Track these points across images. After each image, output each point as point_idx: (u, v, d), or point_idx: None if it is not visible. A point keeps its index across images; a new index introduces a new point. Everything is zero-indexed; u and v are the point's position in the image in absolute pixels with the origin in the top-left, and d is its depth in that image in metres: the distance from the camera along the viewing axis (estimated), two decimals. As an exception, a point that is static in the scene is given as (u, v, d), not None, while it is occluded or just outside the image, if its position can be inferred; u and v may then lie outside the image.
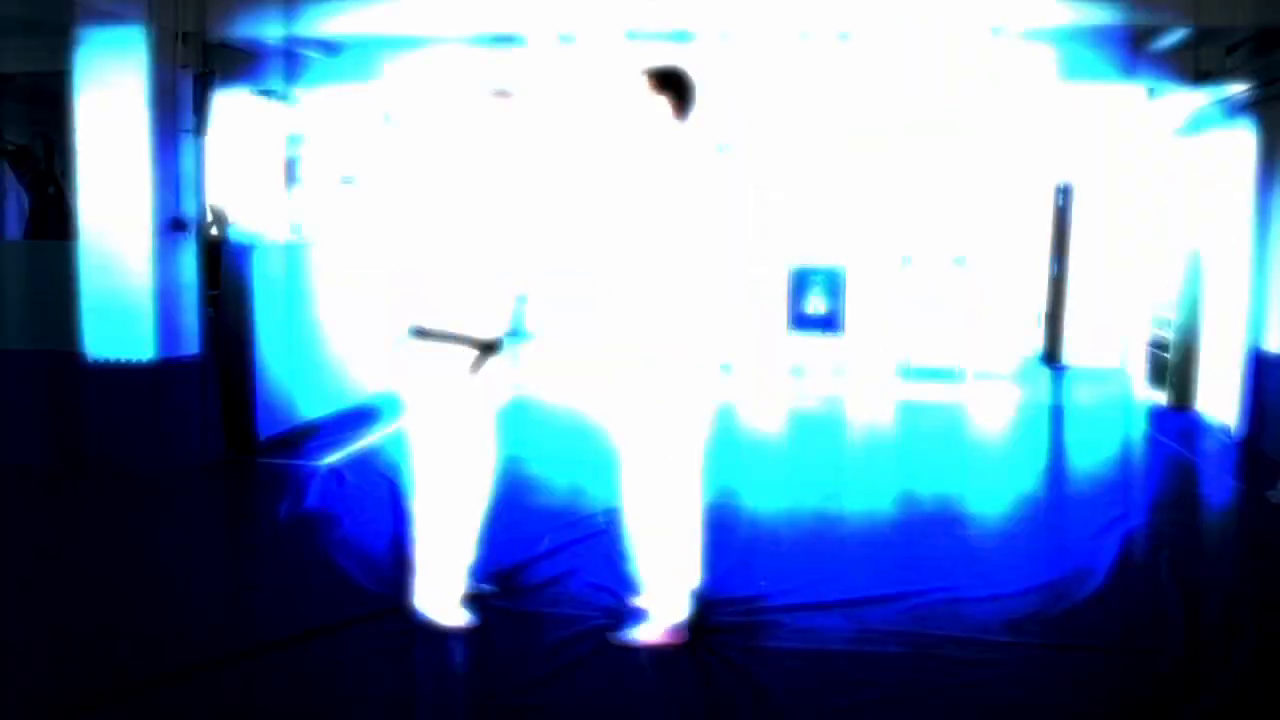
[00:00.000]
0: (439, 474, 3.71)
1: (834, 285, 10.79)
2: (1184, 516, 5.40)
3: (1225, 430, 7.06)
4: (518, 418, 7.41)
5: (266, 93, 9.65)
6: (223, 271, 6.32)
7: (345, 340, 7.36)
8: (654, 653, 3.59)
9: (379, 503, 5.33)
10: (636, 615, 3.78)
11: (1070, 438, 7.69)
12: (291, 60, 7.42)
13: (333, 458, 6.19)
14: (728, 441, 6.55)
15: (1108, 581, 4.34)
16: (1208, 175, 7.88)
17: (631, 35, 6.37)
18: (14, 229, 7.26)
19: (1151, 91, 8.71)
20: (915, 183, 11.57)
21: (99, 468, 5.77)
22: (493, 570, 4.20)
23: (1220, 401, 7.33)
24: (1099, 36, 6.87)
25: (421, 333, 3.68)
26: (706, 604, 3.86)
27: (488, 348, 3.73)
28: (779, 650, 3.64)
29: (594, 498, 5.31)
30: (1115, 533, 4.96)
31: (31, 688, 3.31)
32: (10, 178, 7.28)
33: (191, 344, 6.06)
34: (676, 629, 3.61)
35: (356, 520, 5.05)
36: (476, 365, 3.67)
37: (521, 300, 10.99)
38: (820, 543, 4.88)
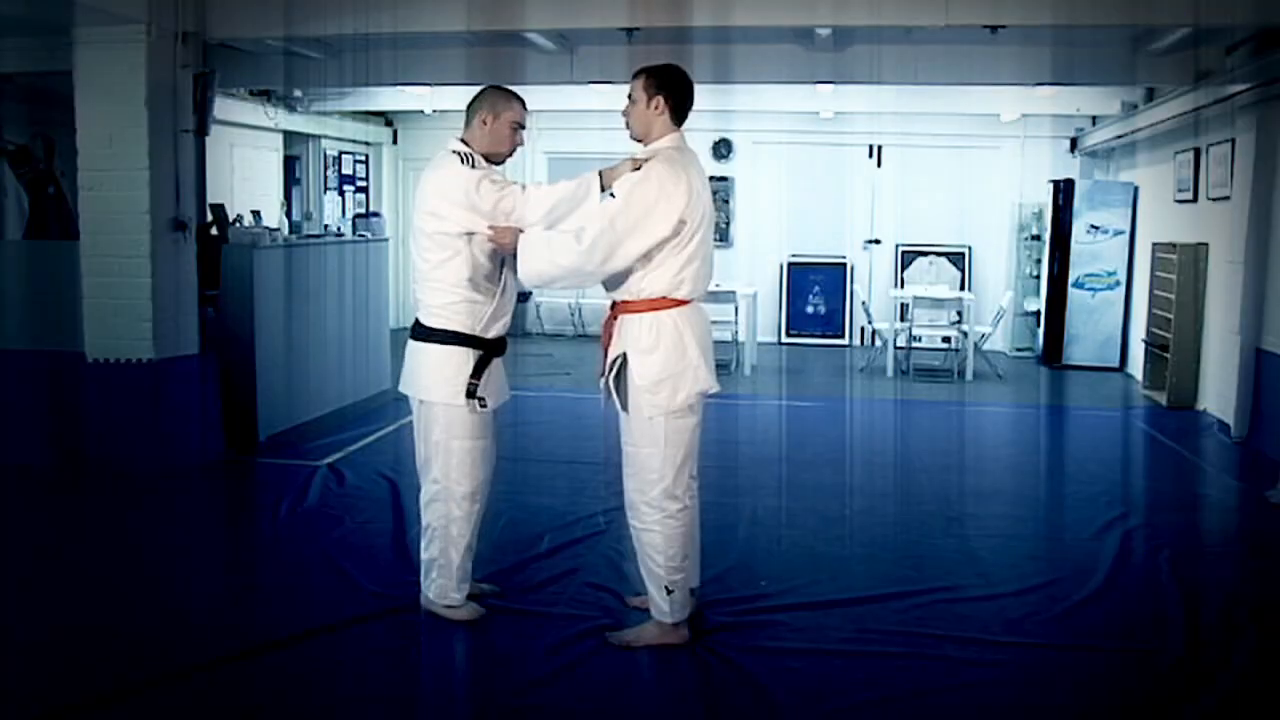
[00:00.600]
0: (447, 473, 3.70)
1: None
2: (1184, 516, 5.40)
3: (1225, 430, 7.06)
4: (518, 416, 7.41)
5: (267, 93, 9.69)
6: (223, 271, 6.32)
7: (345, 339, 7.38)
8: (654, 653, 3.59)
9: (379, 503, 5.34)
10: (636, 615, 3.78)
11: (1070, 438, 7.69)
12: (291, 61, 7.43)
13: (333, 458, 6.19)
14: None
15: (1108, 581, 4.34)
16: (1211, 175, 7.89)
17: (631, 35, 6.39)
18: (14, 229, 7.26)
19: (1151, 92, 8.74)
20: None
21: (99, 468, 5.77)
22: (493, 570, 4.21)
23: (1220, 401, 7.33)
24: (1099, 36, 6.88)
25: (427, 333, 3.69)
26: (706, 604, 3.87)
27: (494, 347, 3.73)
28: (779, 650, 3.64)
29: (594, 498, 5.32)
30: (1115, 533, 4.96)
31: (32, 688, 3.31)
32: (10, 178, 7.28)
33: (191, 344, 6.06)
34: (676, 629, 3.61)
35: (356, 520, 5.06)
36: (482, 365, 3.67)
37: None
38: (820, 543, 4.88)
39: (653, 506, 3.50)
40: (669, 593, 3.55)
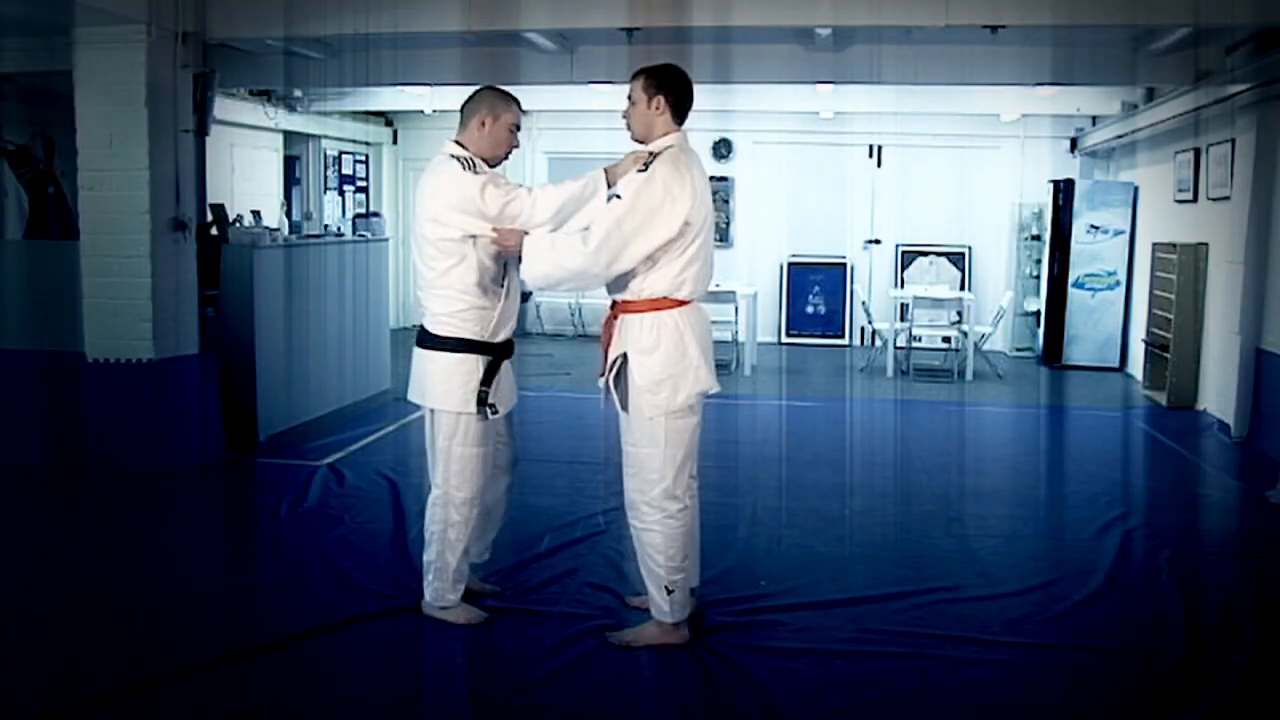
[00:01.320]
0: (448, 479, 3.69)
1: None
2: (1184, 516, 5.40)
3: (1225, 430, 7.06)
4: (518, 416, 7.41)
5: (267, 93, 9.69)
6: (223, 271, 6.32)
7: (345, 339, 7.38)
8: (654, 653, 3.59)
9: (379, 503, 5.33)
10: (636, 615, 3.78)
11: (1070, 438, 7.69)
12: (291, 61, 7.43)
13: (333, 458, 6.18)
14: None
15: (1108, 581, 4.34)
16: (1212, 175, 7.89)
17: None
18: (14, 229, 7.26)
19: (1151, 92, 8.74)
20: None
21: (99, 468, 5.77)
22: (493, 570, 4.20)
23: (1220, 401, 7.33)
24: (1099, 36, 6.87)
25: (436, 342, 3.68)
26: (706, 604, 3.87)
27: (502, 351, 3.73)
28: (779, 650, 3.64)
29: (594, 498, 5.31)
30: (1115, 533, 4.96)
31: (31, 688, 3.31)
32: (10, 178, 7.27)
33: (191, 344, 6.06)
34: (677, 629, 3.61)
35: (356, 520, 5.05)
36: (492, 371, 3.66)
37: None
38: (820, 543, 4.87)
39: (653, 506, 3.50)
40: (669, 592, 3.55)
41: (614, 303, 3.56)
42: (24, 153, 7.20)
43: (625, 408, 3.51)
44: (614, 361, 3.51)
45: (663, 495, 3.49)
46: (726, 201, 11.84)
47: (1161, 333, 8.57)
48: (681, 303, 3.48)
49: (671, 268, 3.44)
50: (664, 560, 3.52)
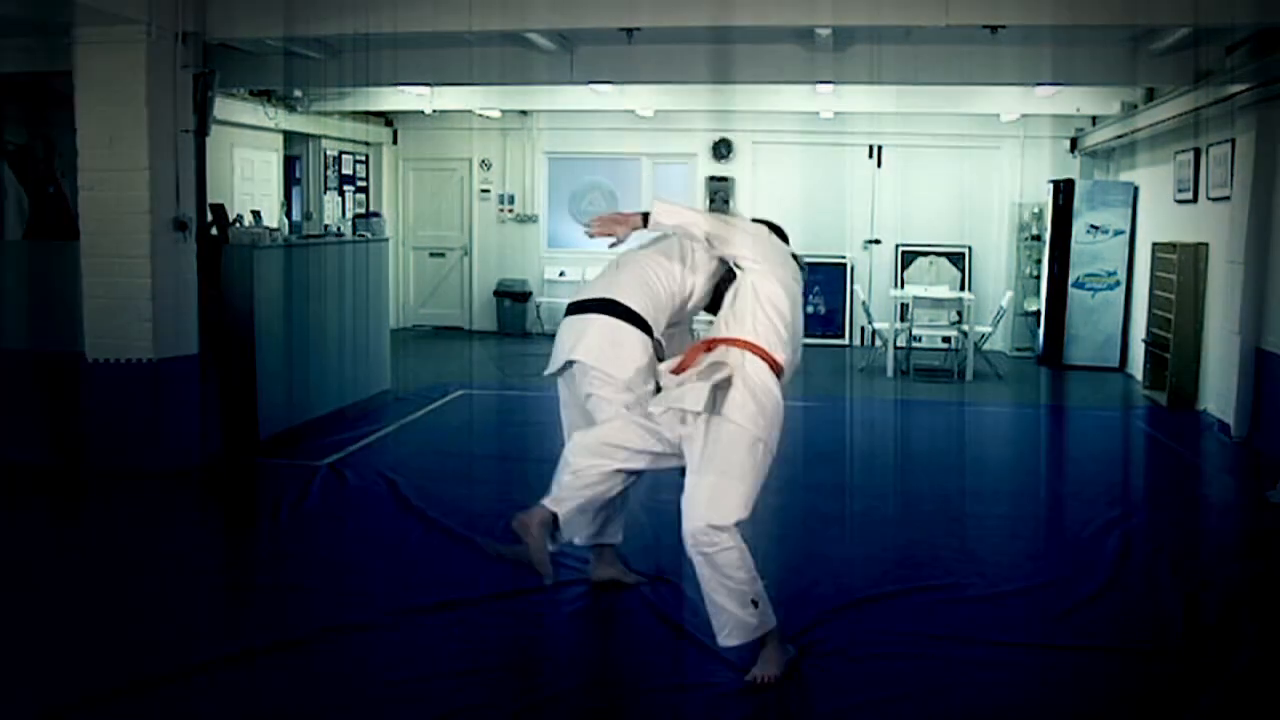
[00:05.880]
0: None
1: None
2: (1184, 516, 5.40)
3: (1225, 430, 7.06)
4: (518, 416, 7.42)
5: (267, 93, 9.69)
6: (223, 271, 6.32)
7: (345, 339, 7.38)
8: (653, 652, 3.59)
9: (380, 503, 5.33)
10: (636, 617, 3.78)
11: (1070, 438, 7.69)
12: (291, 61, 7.44)
13: (333, 458, 6.19)
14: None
15: (1108, 581, 4.34)
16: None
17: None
18: (14, 229, 7.26)
19: (1151, 92, 8.74)
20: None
21: (99, 468, 5.77)
22: (494, 571, 4.20)
23: (1220, 401, 7.33)
24: (1099, 36, 6.88)
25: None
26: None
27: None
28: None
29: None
30: (1115, 533, 4.96)
31: (32, 688, 3.31)
32: (10, 178, 7.28)
33: (191, 344, 6.06)
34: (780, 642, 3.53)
35: (358, 520, 5.05)
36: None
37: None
38: (820, 543, 4.87)
39: (728, 531, 3.34)
40: (755, 605, 3.38)
41: (708, 342, 3.59)
42: (24, 153, 7.20)
43: (717, 410, 3.41)
44: (715, 368, 3.46)
45: (740, 521, 3.37)
46: (727, 202, 11.83)
47: (1161, 333, 8.57)
48: (778, 367, 3.54)
49: (777, 324, 3.59)
50: (746, 575, 3.35)
